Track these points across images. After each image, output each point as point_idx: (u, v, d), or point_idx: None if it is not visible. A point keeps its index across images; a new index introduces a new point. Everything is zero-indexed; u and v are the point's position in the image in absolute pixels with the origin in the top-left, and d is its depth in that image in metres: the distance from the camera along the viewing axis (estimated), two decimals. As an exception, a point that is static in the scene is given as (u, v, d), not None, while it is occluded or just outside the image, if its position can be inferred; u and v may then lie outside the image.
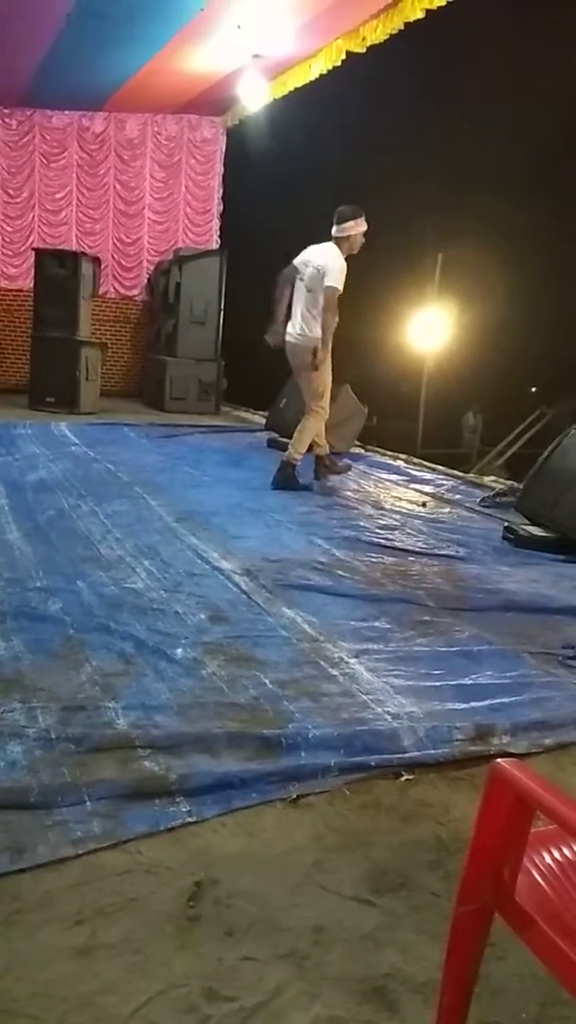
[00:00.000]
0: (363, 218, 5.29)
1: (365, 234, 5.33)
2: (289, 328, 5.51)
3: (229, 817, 1.84)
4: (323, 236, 5.36)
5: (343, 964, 1.44)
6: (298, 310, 5.43)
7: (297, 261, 5.47)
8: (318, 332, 5.30)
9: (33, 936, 1.46)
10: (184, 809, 1.85)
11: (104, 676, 2.46)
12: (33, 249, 9.59)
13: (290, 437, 7.03)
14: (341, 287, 5.21)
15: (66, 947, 1.44)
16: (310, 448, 5.69)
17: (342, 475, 5.94)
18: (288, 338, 5.53)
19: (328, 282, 5.17)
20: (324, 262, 5.26)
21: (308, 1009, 1.34)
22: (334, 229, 5.31)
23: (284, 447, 7.21)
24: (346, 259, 5.25)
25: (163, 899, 1.57)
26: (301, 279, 5.41)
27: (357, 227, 5.26)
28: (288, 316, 5.49)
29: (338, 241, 5.26)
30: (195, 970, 1.41)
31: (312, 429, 5.57)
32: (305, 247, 5.46)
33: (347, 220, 5.24)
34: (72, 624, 2.84)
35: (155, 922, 1.51)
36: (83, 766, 1.97)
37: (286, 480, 5.51)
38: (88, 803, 1.83)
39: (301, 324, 5.40)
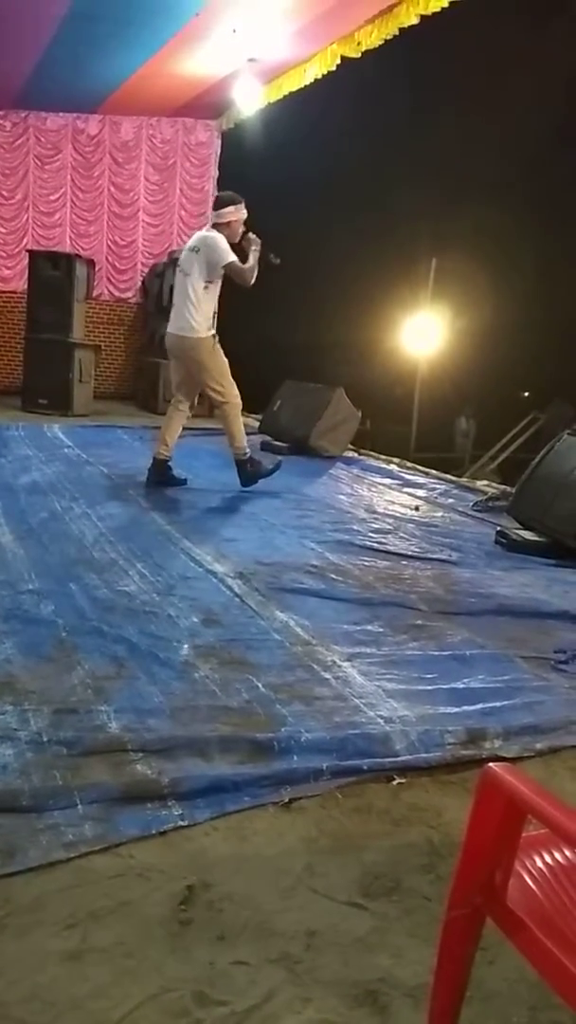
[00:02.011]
0: (242, 205, 5.16)
1: (245, 223, 5.19)
2: (171, 322, 5.31)
3: (221, 821, 1.84)
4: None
5: (335, 968, 1.44)
6: (178, 300, 5.24)
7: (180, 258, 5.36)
8: (201, 322, 5.15)
9: (24, 940, 1.46)
10: (176, 812, 1.85)
11: (96, 679, 2.46)
12: (27, 251, 9.57)
13: (284, 440, 7.04)
14: (232, 257, 5.08)
15: (57, 951, 1.44)
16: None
17: (175, 487, 5.61)
18: (169, 331, 5.33)
19: (227, 259, 5.04)
20: (199, 243, 5.15)
21: (300, 1013, 1.34)
22: (212, 216, 5.24)
23: (278, 450, 7.23)
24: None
25: (155, 903, 1.57)
26: (180, 267, 5.27)
27: (237, 213, 5.15)
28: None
29: (216, 227, 5.16)
30: (186, 974, 1.41)
31: (234, 420, 5.36)
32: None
33: (226, 206, 5.14)
34: (64, 627, 2.84)
35: (146, 926, 1.51)
36: (75, 769, 1.96)
37: (248, 476, 5.41)
38: (80, 806, 1.83)
39: (182, 316, 5.19)
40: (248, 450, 5.43)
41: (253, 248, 5.14)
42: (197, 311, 5.14)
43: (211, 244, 5.08)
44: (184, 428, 6.19)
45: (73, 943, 1.46)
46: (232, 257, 5.08)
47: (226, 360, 5.33)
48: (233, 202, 5.16)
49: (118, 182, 10.61)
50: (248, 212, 5.23)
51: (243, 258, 5.14)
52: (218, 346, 5.28)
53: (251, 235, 5.18)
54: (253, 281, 5.15)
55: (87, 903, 1.55)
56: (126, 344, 11.10)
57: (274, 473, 5.45)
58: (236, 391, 5.37)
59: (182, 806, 1.87)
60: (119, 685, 2.43)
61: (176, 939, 1.49)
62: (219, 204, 5.22)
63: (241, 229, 5.18)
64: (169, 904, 1.57)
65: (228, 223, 5.13)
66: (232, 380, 5.35)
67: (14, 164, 10.21)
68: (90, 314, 9.96)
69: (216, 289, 5.24)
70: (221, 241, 5.08)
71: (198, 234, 5.32)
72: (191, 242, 5.28)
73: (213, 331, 5.29)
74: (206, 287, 5.15)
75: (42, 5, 6.67)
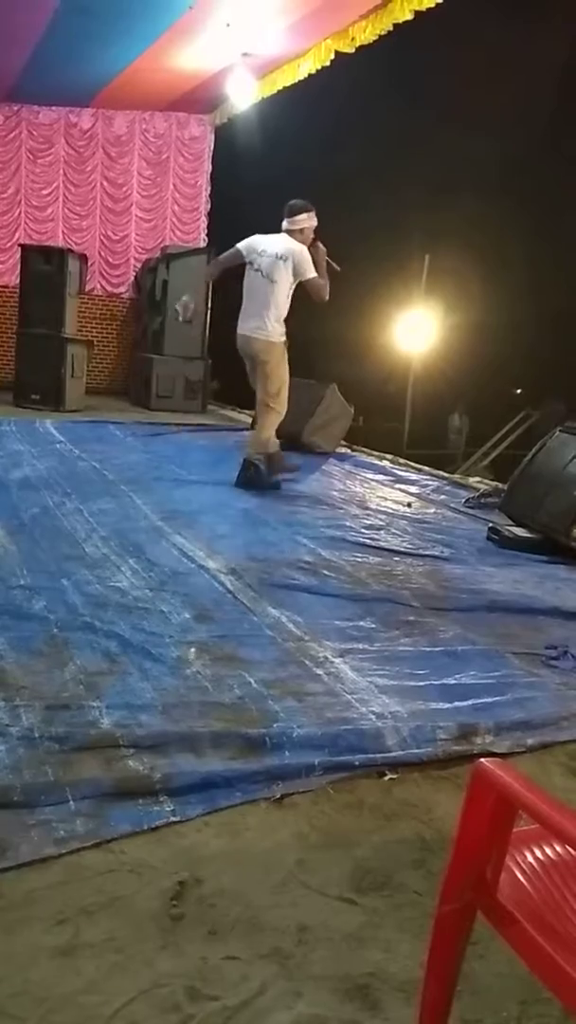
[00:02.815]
0: (314, 212, 5.25)
1: (315, 230, 5.27)
2: (242, 321, 5.37)
3: (213, 816, 1.84)
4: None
5: (326, 963, 1.45)
6: (256, 302, 5.28)
7: (243, 246, 5.36)
8: (276, 327, 5.25)
9: (15, 935, 1.46)
10: (168, 808, 1.85)
11: (88, 675, 2.45)
12: (19, 245, 9.54)
13: (277, 436, 7.01)
14: (315, 272, 5.19)
15: (48, 946, 1.44)
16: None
17: (291, 473, 5.73)
18: (242, 331, 5.38)
19: (309, 274, 5.16)
20: (286, 251, 5.17)
21: (291, 1008, 1.35)
22: (285, 222, 5.26)
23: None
24: None
25: (146, 898, 1.57)
26: (257, 270, 5.27)
27: (309, 220, 5.24)
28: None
29: (290, 233, 5.22)
30: (178, 969, 1.41)
31: (270, 426, 5.45)
32: None
33: (299, 213, 5.22)
34: (56, 623, 2.83)
35: (138, 921, 1.51)
36: (66, 765, 1.96)
37: (247, 480, 5.37)
38: (71, 802, 1.83)
39: (259, 319, 5.26)
40: (262, 458, 5.44)
41: (320, 257, 5.25)
42: (276, 317, 5.25)
43: (300, 257, 5.17)
44: (177, 424, 6.19)
45: (64, 939, 1.46)
46: (315, 273, 5.19)
47: (288, 371, 5.43)
48: (306, 210, 5.26)
49: (111, 176, 10.57)
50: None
51: (316, 267, 5.24)
52: (285, 354, 5.38)
53: (319, 243, 5.28)
54: (328, 297, 5.28)
55: (78, 899, 1.55)
56: (119, 339, 11.07)
57: (272, 490, 5.38)
58: (283, 402, 5.47)
59: (174, 802, 1.87)
60: (111, 681, 2.43)
61: (168, 934, 1.49)
62: (293, 211, 5.25)
63: (311, 236, 5.27)
64: (161, 900, 1.57)
65: (301, 230, 5.23)
66: (287, 393, 5.46)
67: (6, 158, 10.16)
68: (83, 309, 9.93)
69: (290, 299, 5.31)
70: (307, 255, 5.18)
71: (278, 241, 5.26)
72: (275, 247, 5.24)
73: (284, 339, 5.36)
74: (287, 297, 5.26)
75: (34, -2, 6.64)
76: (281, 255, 5.20)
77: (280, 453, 5.70)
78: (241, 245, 5.39)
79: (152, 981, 1.38)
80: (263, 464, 5.41)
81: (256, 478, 5.38)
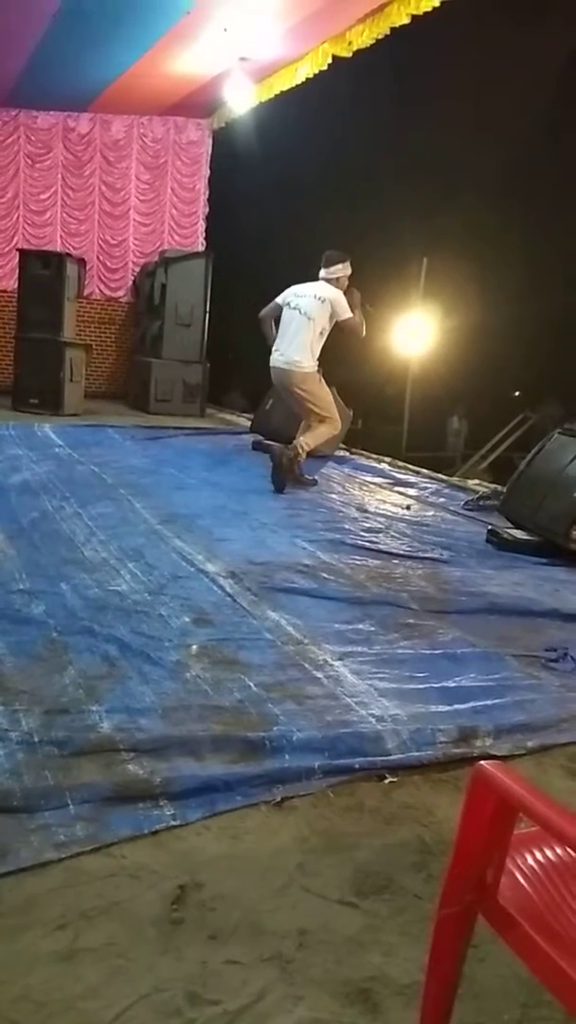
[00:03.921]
0: (349, 263, 5.70)
1: (349, 278, 5.72)
2: (277, 354, 5.76)
3: (213, 820, 1.84)
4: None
5: (327, 967, 1.45)
6: (293, 337, 5.68)
7: (280, 298, 5.82)
8: (310, 360, 5.67)
9: (15, 940, 1.45)
10: (168, 812, 1.84)
11: (88, 679, 2.45)
12: (17, 250, 9.55)
13: (275, 440, 7.03)
14: (351, 314, 5.65)
15: (48, 951, 1.43)
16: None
17: (306, 488, 5.80)
18: (275, 364, 5.78)
19: (346, 315, 5.60)
20: (327, 296, 5.62)
21: (292, 1012, 1.34)
22: (323, 272, 5.70)
23: (269, 449, 7.22)
24: None
25: (146, 903, 1.57)
26: (295, 308, 5.69)
27: (345, 271, 5.68)
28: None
29: (328, 282, 5.67)
30: (178, 974, 1.40)
31: (323, 434, 5.79)
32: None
33: (336, 263, 5.68)
34: (55, 627, 2.83)
35: (138, 926, 1.51)
36: (66, 769, 1.96)
37: (282, 476, 5.55)
38: (71, 807, 1.82)
39: (294, 352, 5.65)
40: (304, 458, 5.66)
41: (356, 302, 5.71)
42: (310, 352, 5.68)
43: (337, 301, 5.62)
44: (176, 428, 6.23)
45: (65, 943, 1.45)
46: (350, 314, 5.64)
47: (329, 392, 5.89)
48: (342, 260, 5.70)
49: (109, 181, 10.58)
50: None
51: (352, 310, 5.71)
52: (322, 379, 5.82)
53: (354, 290, 5.75)
54: (364, 334, 5.80)
55: (78, 903, 1.55)
56: (117, 343, 11.08)
57: (306, 486, 5.66)
58: (338, 418, 5.92)
59: (174, 806, 1.87)
60: (110, 685, 2.43)
61: (168, 939, 1.48)
62: (330, 262, 5.70)
63: (346, 284, 5.72)
64: (161, 904, 1.57)
65: (338, 279, 5.67)
66: (337, 407, 5.94)
67: (4, 163, 10.18)
68: (81, 313, 9.94)
69: (325, 338, 5.75)
70: (343, 299, 5.64)
71: (318, 286, 5.71)
72: (315, 291, 5.69)
73: (317, 366, 5.76)
74: (321, 333, 5.69)
75: (33, 2, 6.65)
76: (320, 296, 5.65)
77: (300, 463, 5.84)
78: (279, 298, 5.86)
79: (152, 986, 1.37)
80: (303, 456, 5.65)
81: (291, 477, 5.60)
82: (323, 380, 5.84)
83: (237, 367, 11.82)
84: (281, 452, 5.62)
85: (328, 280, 5.67)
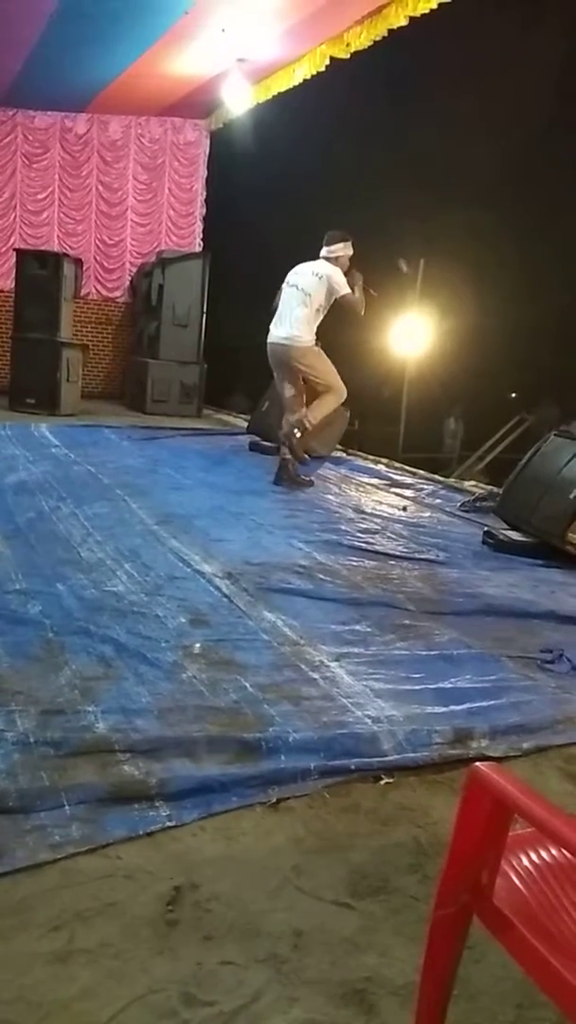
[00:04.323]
0: (351, 242, 5.69)
1: (351, 259, 5.70)
2: (274, 330, 5.73)
3: (208, 821, 1.84)
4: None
5: (322, 968, 1.45)
6: (290, 312, 5.67)
7: (288, 278, 5.80)
8: (308, 335, 5.65)
9: (10, 941, 1.45)
10: (164, 813, 1.84)
11: (84, 679, 2.45)
12: (14, 250, 9.54)
13: (272, 440, 7.04)
14: (349, 290, 5.63)
15: (43, 952, 1.43)
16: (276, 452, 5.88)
17: (303, 489, 5.80)
18: (272, 340, 5.76)
19: (344, 291, 5.60)
20: (325, 272, 5.63)
21: (287, 1013, 1.34)
22: (324, 251, 5.69)
23: (266, 450, 7.23)
24: None
25: (142, 904, 1.57)
26: (292, 286, 5.69)
27: (345, 250, 5.67)
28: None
29: (328, 261, 5.65)
30: (174, 975, 1.40)
31: (328, 404, 5.81)
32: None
33: (336, 243, 5.67)
34: (52, 627, 2.83)
35: (133, 927, 1.51)
36: (62, 770, 1.95)
37: (291, 445, 5.69)
38: (67, 807, 1.82)
39: (292, 326, 5.64)
40: (309, 426, 5.74)
41: (358, 283, 5.70)
42: (307, 326, 5.67)
43: (334, 276, 5.63)
44: (173, 428, 6.21)
45: (60, 944, 1.45)
46: (348, 290, 5.62)
47: (329, 360, 5.85)
48: (344, 239, 5.69)
49: (106, 181, 10.58)
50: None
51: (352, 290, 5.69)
52: (322, 351, 5.81)
53: (355, 271, 5.73)
54: (363, 312, 5.77)
55: (74, 904, 1.55)
56: (114, 344, 11.07)
57: (303, 462, 5.75)
58: (342, 386, 5.86)
59: (169, 807, 1.86)
60: (106, 685, 2.42)
61: (163, 940, 1.48)
62: (331, 240, 5.69)
63: (347, 265, 5.70)
64: (156, 905, 1.57)
65: (338, 258, 5.68)
66: (339, 378, 5.85)
67: (1, 163, 10.17)
68: (78, 313, 9.93)
69: (324, 315, 5.74)
70: (341, 276, 5.63)
71: (317, 264, 5.71)
72: (313, 268, 5.71)
73: (315, 341, 5.76)
74: (318, 311, 5.68)
75: (31, 2, 6.65)
76: (318, 273, 5.66)
77: (295, 464, 5.88)
78: (286, 282, 5.86)
79: (147, 987, 1.37)
80: (301, 433, 5.72)
81: (298, 445, 5.69)
82: (323, 352, 5.83)
83: (234, 367, 11.80)
84: (289, 431, 5.69)
85: (328, 259, 5.68)
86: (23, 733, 2.09)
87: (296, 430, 5.69)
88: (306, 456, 6.04)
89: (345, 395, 5.92)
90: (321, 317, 5.72)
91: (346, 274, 5.67)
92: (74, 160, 10.40)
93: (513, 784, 1.06)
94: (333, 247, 5.68)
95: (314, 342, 5.76)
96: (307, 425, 5.71)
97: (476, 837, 1.11)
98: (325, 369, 5.81)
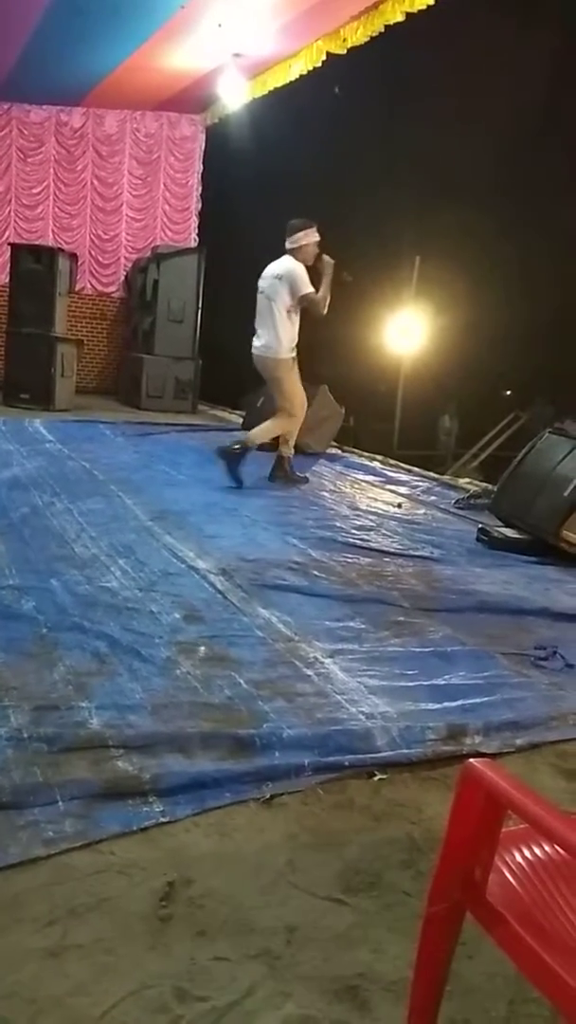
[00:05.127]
0: (314, 229, 5.49)
1: (318, 244, 5.50)
2: (255, 341, 5.67)
3: (202, 817, 1.84)
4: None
5: (315, 963, 1.45)
6: (263, 322, 5.59)
7: (259, 283, 5.69)
8: (283, 344, 5.51)
9: (3, 937, 1.45)
10: (157, 809, 1.84)
11: (77, 675, 2.44)
12: (9, 244, 9.51)
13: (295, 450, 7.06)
14: (309, 288, 5.42)
15: (37, 948, 1.43)
16: (272, 448, 5.78)
17: (298, 486, 5.81)
18: (253, 351, 5.69)
19: (303, 290, 5.41)
20: (283, 272, 5.46)
21: (280, 1008, 1.35)
22: (287, 242, 5.52)
23: (262, 447, 7.21)
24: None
25: (135, 899, 1.57)
26: (261, 292, 5.60)
27: (308, 238, 5.47)
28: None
29: (292, 252, 5.48)
30: (167, 970, 1.40)
31: (279, 426, 5.68)
32: (282, 246, 5.56)
33: (298, 231, 5.48)
34: (45, 623, 2.82)
35: (127, 922, 1.51)
36: (55, 766, 1.95)
37: (234, 463, 5.45)
38: (60, 803, 1.82)
39: (267, 337, 5.55)
40: (254, 450, 5.58)
41: (327, 270, 5.46)
42: (281, 334, 5.51)
43: (292, 275, 5.43)
44: (167, 424, 6.17)
45: (53, 940, 1.45)
46: (309, 289, 5.42)
47: (299, 379, 5.71)
48: (304, 227, 5.50)
49: (101, 176, 10.55)
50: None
51: (318, 280, 5.46)
52: (295, 366, 5.66)
53: (325, 257, 5.50)
54: (326, 310, 5.51)
55: (67, 900, 1.55)
56: (109, 339, 11.05)
57: (237, 477, 5.48)
58: (300, 409, 5.74)
59: (163, 802, 1.86)
60: (100, 681, 2.42)
61: (156, 935, 1.48)
62: (292, 231, 5.48)
63: (315, 251, 5.49)
64: (150, 900, 1.57)
65: (301, 247, 5.47)
66: (301, 400, 5.73)
67: (-4, 156, 10.13)
68: (72, 308, 9.91)
69: (297, 316, 5.57)
70: (301, 272, 5.42)
71: (278, 263, 5.54)
72: (273, 269, 5.54)
73: (293, 354, 5.61)
74: (289, 313, 5.50)
75: (25, -4, 6.62)
76: (278, 274, 5.48)
77: (291, 461, 5.86)
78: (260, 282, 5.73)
79: (141, 982, 1.37)
80: (250, 451, 5.55)
81: (235, 462, 5.47)
82: (295, 369, 5.65)
83: (229, 363, 11.78)
84: (227, 447, 5.54)
85: (293, 250, 5.46)
86: (16, 729, 2.09)
87: (250, 448, 5.49)
88: (304, 476, 5.92)
89: (298, 423, 5.74)
90: (296, 319, 5.56)
91: (315, 262, 5.46)
92: (69, 154, 10.36)
93: (506, 780, 1.06)
94: (295, 236, 5.46)
95: (291, 351, 5.58)
96: (249, 451, 5.49)
97: (469, 833, 1.11)
98: (290, 389, 5.64)
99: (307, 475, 6.01)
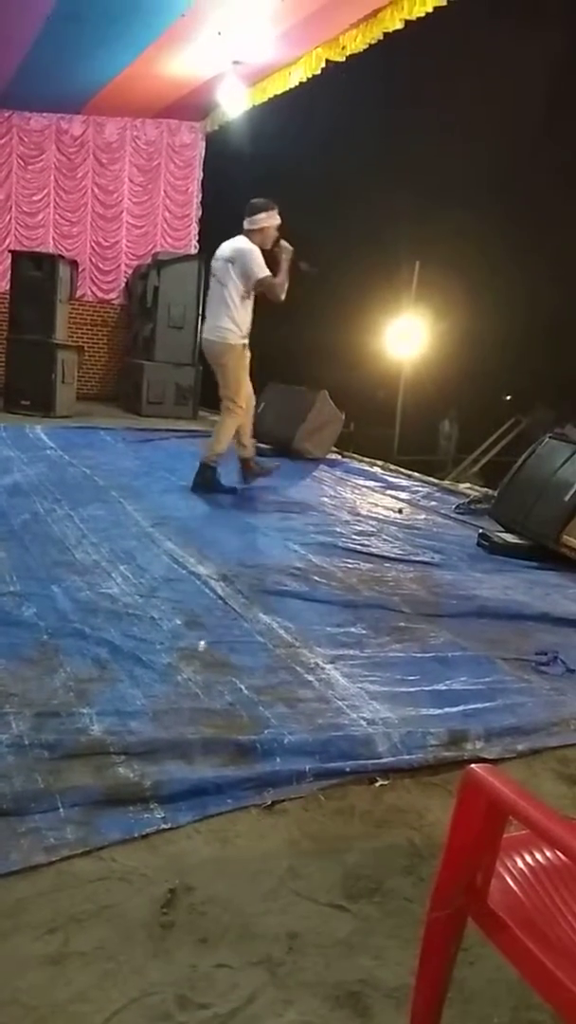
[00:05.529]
0: (276, 211, 5.20)
1: (278, 228, 5.23)
2: (204, 326, 5.45)
3: (203, 823, 1.84)
4: (302, 241, 5.35)
5: (317, 970, 1.45)
6: (213, 306, 5.34)
7: (213, 262, 5.43)
8: (234, 330, 5.24)
9: (5, 944, 1.45)
10: (158, 816, 1.84)
11: (78, 682, 2.44)
12: (9, 251, 9.52)
13: (268, 443, 7.03)
14: (265, 272, 5.13)
15: (39, 955, 1.43)
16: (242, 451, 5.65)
17: (271, 474, 5.73)
18: (203, 336, 5.46)
19: (258, 274, 5.10)
20: (234, 254, 5.19)
21: (282, 1015, 1.34)
22: (246, 222, 5.22)
23: (261, 452, 7.22)
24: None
25: (137, 906, 1.57)
26: (213, 275, 5.36)
27: (270, 220, 5.17)
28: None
29: (249, 233, 5.19)
30: (168, 977, 1.40)
31: (229, 427, 5.42)
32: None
33: (259, 212, 5.17)
34: (46, 629, 2.82)
35: (129, 930, 1.51)
36: (57, 772, 1.95)
37: (206, 483, 5.34)
38: (61, 810, 1.82)
39: (218, 322, 5.27)
40: (219, 461, 5.41)
41: (284, 256, 5.18)
42: (232, 320, 5.23)
43: (247, 257, 5.12)
44: (168, 430, 6.14)
45: (54, 947, 1.45)
46: (265, 273, 5.12)
47: (247, 371, 5.42)
48: (266, 208, 5.19)
49: (102, 183, 10.58)
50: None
51: (274, 265, 5.17)
52: (246, 355, 5.37)
53: (283, 242, 5.22)
54: (283, 296, 5.20)
55: (69, 907, 1.55)
56: (109, 345, 11.06)
57: (227, 494, 5.38)
58: (245, 403, 5.45)
59: (164, 809, 1.86)
60: (101, 688, 2.42)
61: (158, 942, 1.48)
62: (253, 210, 5.21)
63: (274, 235, 5.22)
64: (151, 907, 1.57)
65: (261, 229, 5.18)
66: (246, 392, 5.45)
67: (-3, 164, 10.16)
68: (73, 315, 9.92)
69: (251, 301, 5.29)
70: (256, 255, 5.12)
71: (231, 243, 5.30)
72: (225, 251, 5.30)
73: (245, 341, 5.34)
74: (242, 298, 5.22)
75: (27, 4, 6.65)
76: (229, 257, 5.21)
77: (254, 459, 5.71)
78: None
79: (142, 989, 1.37)
80: (217, 467, 5.41)
81: (211, 482, 5.37)
82: (245, 356, 5.36)
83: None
84: (197, 474, 5.36)
85: (251, 232, 5.16)
86: (18, 735, 2.09)
87: (215, 465, 5.34)
88: (273, 465, 5.74)
89: (244, 417, 5.49)
90: (249, 304, 5.27)
91: (272, 246, 5.19)
92: (70, 162, 10.39)
93: (508, 786, 1.06)
94: (255, 217, 5.15)
95: (243, 338, 5.30)
96: (216, 463, 5.36)
97: (471, 839, 1.11)
98: (236, 379, 5.35)
99: (278, 463, 5.84)
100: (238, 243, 5.22)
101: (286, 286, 5.18)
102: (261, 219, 5.16)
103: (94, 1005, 1.33)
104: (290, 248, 5.20)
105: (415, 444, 15.09)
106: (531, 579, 4.02)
